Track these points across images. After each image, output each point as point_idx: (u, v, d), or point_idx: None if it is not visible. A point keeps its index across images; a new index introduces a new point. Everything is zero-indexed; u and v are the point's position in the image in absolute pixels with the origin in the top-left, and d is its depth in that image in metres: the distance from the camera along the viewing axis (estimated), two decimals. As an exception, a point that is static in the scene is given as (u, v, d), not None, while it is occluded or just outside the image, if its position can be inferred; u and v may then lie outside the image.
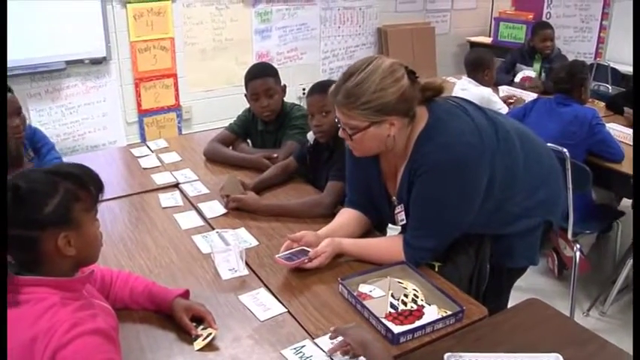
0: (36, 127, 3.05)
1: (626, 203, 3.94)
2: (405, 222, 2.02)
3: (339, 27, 6.07)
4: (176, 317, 1.70)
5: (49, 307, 1.30)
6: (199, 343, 1.64)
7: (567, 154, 3.04)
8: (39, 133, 2.93)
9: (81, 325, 1.28)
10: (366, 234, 2.21)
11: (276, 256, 1.99)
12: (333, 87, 1.90)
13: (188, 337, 1.66)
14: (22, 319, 1.30)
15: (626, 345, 1.60)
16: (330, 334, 1.62)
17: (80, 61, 4.73)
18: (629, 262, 3.23)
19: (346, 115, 1.87)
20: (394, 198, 2.07)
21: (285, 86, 3.02)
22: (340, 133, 1.95)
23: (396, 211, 2.05)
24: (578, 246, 3.25)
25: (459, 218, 1.96)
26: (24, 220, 1.30)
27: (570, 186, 3.09)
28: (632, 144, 3.43)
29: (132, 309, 1.78)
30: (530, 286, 3.21)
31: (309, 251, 1.99)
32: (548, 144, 2.98)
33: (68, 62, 4.64)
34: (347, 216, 2.21)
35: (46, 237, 1.33)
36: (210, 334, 1.66)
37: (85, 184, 1.40)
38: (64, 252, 1.36)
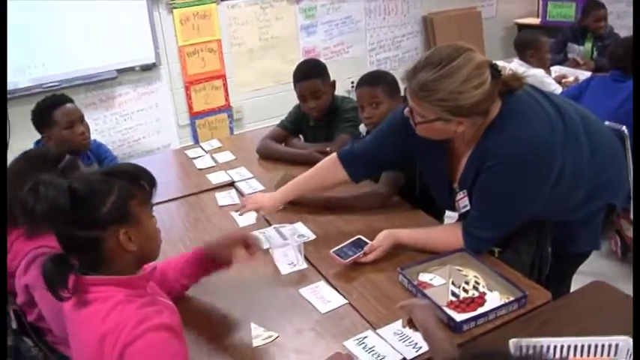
0: (100, 141, 3.20)
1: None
2: (468, 208, 1.97)
3: (384, 18, 6.03)
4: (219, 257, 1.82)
5: (115, 305, 1.33)
6: (258, 342, 1.66)
7: (627, 132, 2.95)
8: (103, 146, 3.15)
9: (148, 320, 1.31)
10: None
11: (331, 251, 1.99)
12: (410, 68, 1.81)
13: (248, 336, 1.68)
14: (91, 318, 1.34)
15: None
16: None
17: (131, 69, 4.83)
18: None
19: (416, 103, 1.82)
20: (455, 185, 2.03)
21: (334, 82, 3.02)
22: (405, 112, 1.90)
23: (457, 198, 2.01)
24: (642, 226, 3.16)
25: (524, 211, 1.92)
26: (85, 220, 1.34)
27: (631, 164, 3.00)
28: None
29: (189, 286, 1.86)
30: (593, 269, 3.11)
31: (365, 242, 1.99)
32: (607, 122, 2.92)
33: (119, 70, 4.74)
34: (328, 165, 2.30)
35: (108, 235, 1.37)
36: (271, 336, 1.67)
37: (137, 181, 1.44)
38: (126, 247, 1.39)
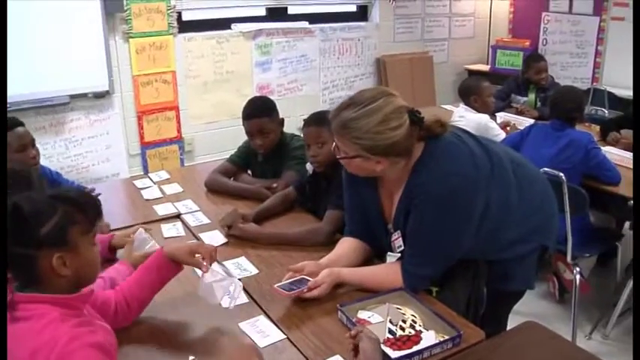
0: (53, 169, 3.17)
1: (627, 226, 3.95)
2: (402, 248, 2.04)
3: (338, 58, 6.14)
4: (184, 261, 1.90)
5: (49, 322, 1.35)
6: None
7: (563, 178, 3.07)
8: (46, 168, 3.06)
9: (80, 338, 1.33)
10: (366, 262, 2.23)
11: (275, 285, 2.00)
12: (335, 107, 1.93)
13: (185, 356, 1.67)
14: (24, 334, 1.34)
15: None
16: None
17: (84, 95, 4.80)
18: (630, 284, 3.24)
19: (338, 140, 1.92)
20: (390, 225, 2.10)
21: (282, 120, 3.07)
22: (332, 148, 2.00)
23: (392, 238, 2.08)
24: (578, 269, 3.27)
25: (455, 246, 1.99)
26: (22, 238, 1.36)
27: (568, 210, 3.12)
28: (630, 167, 3.47)
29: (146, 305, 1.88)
30: (532, 310, 3.22)
31: (309, 280, 2.01)
32: (545, 168, 3.04)
33: (72, 96, 4.71)
34: (347, 245, 2.23)
35: (43, 256, 1.38)
36: None
37: (82, 208, 1.45)
38: (58, 272, 1.39)
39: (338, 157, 1.96)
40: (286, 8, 5.85)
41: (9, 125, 2.78)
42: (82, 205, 1.45)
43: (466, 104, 4.34)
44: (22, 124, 2.83)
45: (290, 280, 2.03)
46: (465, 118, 4.18)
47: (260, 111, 3.00)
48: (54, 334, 1.32)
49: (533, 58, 5.32)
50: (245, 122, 3.00)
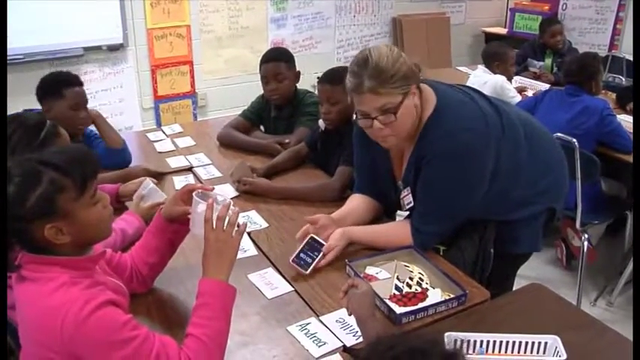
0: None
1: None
2: (412, 205, 2.05)
3: (354, 16, 6.09)
4: (175, 213, 1.72)
5: (59, 286, 1.32)
6: None
7: (576, 144, 3.06)
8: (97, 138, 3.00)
9: (94, 299, 1.31)
10: (376, 219, 2.24)
11: (290, 261, 1.97)
12: (354, 82, 1.86)
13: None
14: (32, 296, 1.34)
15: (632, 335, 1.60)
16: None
17: (98, 48, 4.80)
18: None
19: (381, 96, 1.83)
20: (400, 182, 2.11)
21: (299, 72, 3.07)
22: (376, 125, 1.88)
23: (402, 195, 2.09)
24: (586, 236, 3.28)
25: (464, 203, 1.99)
26: (10, 213, 1.31)
27: (579, 176, 3.12)
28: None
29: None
30: (538, 275, 3.24)
31: (319, 242, 1.99)
32: (558, 134, 3.03)
33: (86, 49, 4.71)
34: (356, 202, 2.25)
35: (34, 228, 1.33)
36: None
37: (68, 174, 1.36)
38: (54, 241, 1.35)
39: (386, 123, 1.86)
40: (303, -36, 5.78)
41: (73, 81, 2.67)
42: (68, 171, 1.35)
43: (487, 67, 4.30)
44: (81, 84, 2.71)
45: (301, 247, 1.99)
46: (482, 78, 4.16)
47: (279, 56, 3.02)
48: (66, 298, 1.30)
49: (548, 21, 5.29)
50: (262, 66, 3.01)
